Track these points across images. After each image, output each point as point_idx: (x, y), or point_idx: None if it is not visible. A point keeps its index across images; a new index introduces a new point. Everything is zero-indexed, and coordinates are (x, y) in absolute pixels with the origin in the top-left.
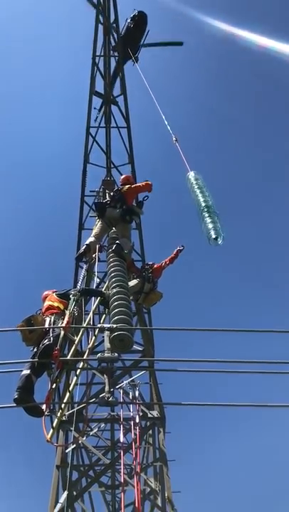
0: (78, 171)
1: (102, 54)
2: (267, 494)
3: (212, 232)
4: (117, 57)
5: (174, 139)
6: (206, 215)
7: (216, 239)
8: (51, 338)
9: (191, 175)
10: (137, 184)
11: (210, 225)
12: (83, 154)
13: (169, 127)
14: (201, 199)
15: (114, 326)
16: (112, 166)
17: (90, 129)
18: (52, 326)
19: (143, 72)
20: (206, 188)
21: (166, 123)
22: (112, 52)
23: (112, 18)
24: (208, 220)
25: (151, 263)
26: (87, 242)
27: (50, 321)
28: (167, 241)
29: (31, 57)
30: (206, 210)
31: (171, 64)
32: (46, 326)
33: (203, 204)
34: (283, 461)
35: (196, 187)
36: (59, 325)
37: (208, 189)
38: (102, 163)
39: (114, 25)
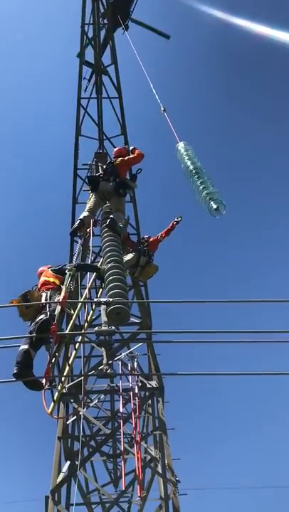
0: (70, 144)
1: (91, 22)
2: (266, 458)
3: (212, 203)
4: (106, 25)
5: (161, 108)
6: (200, 185)
7: (217, 209)
8: (48, 313)
9: (181, 145)
10: (130, 156)
11: (208, 196)
12: (75, 126)
13: (157, 96)
14: (193, 170)
15: (110, 299)
16: (105, 137)
17: (80, 100)
18: (48, 301)
19: (134, 42)
20: (197, 158)
21: (155, 92)
22: (101, 20)
23: None
24: (205, 190)
25: (147, 236)
26: (81, 216)
27: (46, 296)
28: (163, 213)
29: (16, 25)
30: (199, 181)
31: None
32: (43, 301)
33: (196, 176)
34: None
35: (186, 158)
36: (55, 300)
37: (199, 160)
38: (94, 135)
39: None
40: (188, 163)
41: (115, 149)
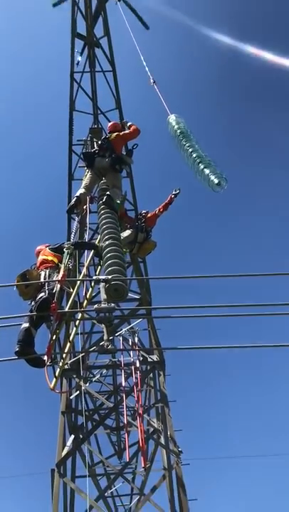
0: (65, 119)
1: None
2: (267, 426)
3: (213, 178)
4: None
5: (151, 80)
6: (197, 159)
7: (218, 184)
8: (47, 291)
9: (172, 118)
10: (125, 132)
11: (207, 171)
12: (68, 101)
13: (147, 69)
14: (189, 148)
15: (109, 277)
16: (99, 112)
17: (74, 74)
18: (47, 279)
19: (127, 13)
20: (190, 131)
21: (145, 64)
22: None
23: None
24: (203, 166)
25: (144, 212)
26: (77, 194)
27: (45, 274)
28: (161, 187)
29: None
30: (196, 157)
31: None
32: (42, 280)
33: (192, 152)
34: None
35: (178, 132)
36: (54, 278)
37: (192, 133)
38: (88, 109)
39: None
40: (186, 144)
41: (110, 124)
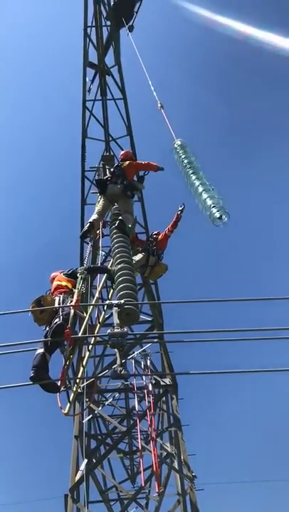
0: (77, 146)
1: (93, 24)
2: (275, 448)
3: (214, 211)
4: (109, 27)
5: (158, 105)
6: (200, 188)
7: (220, 218)
8: (61, 317)
9: (177, 143)
10: (139, 161)
11: (209, 202)
12: (81, 129)
13: (155, 93)
14: (192, 175)
15: (121, 301)
16: (111, 138)
17: (86, 102)
18: (61, 305)
19: (140, 39)
20: (195, 158)
21: (152, 89)
22: (104, 21)
23: None
24: (206, 195)
25: (155, 233)
26: (91, 219)
27: (59, 300)
28: (170, 209)
29: (19, 26)
30: (198, 183)
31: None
32: (56, 305)
33: (195, 180)
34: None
35: (183, 157)
36: (68, 304)
37: (197, 159)
38: (100, 136)
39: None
40: (190, 172)
41: (122, 152)
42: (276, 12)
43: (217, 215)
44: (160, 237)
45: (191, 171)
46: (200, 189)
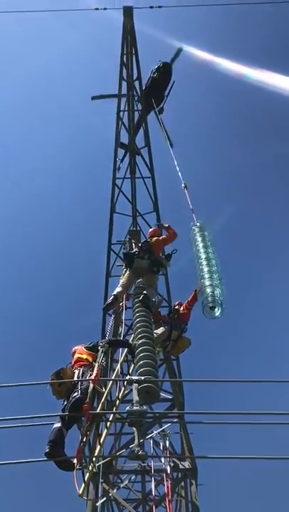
0: (102, 220)
1: (126, 109)
2: None
3: (209, 299)
4: (140, 110)
5: (183, 185)
6: (206, 271)
7: (212, 308)
8: (80, 391)
9: (196, 229)
10: (164, 236)
11: (208, 289)
12: (110, 204)
13: (180, 174)
14: (203, 255)
15: (141, 378)
16: (138, 214)
17: (116, 180)
18: (80, 379)
19: (170, 120)
20: (211, 242)
21: (178, 169)
22: (136, 104)
23: (135, 74)
24: (207, 280)
25: (177, 303)
26: (115, 292)
27: (78, 373)
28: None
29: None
30: (206, 269)
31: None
32: (75, 378)
33: (204, 267)
34: None
35: (199, 240)
36: (87, 377)
37: (213, 245)
38: (127, 211)
39: (138, 81)
40: (202, 253)
41: (150, 230)
42: None
43: (210, 304)
44: (182, 308)
45: (203, 256)
46: (205, 276)
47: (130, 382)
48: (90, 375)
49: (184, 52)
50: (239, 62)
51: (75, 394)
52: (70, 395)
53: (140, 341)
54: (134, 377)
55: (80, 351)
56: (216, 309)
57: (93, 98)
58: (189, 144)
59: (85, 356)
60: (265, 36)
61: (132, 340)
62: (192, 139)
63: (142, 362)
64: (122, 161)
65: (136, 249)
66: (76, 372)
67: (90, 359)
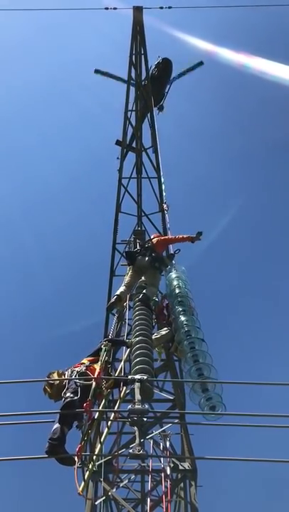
0: (107, 219)
1: (133, 109)
2: None
3: (206, 403)
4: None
5: (164, 206)
6: (192, 357)
7: (212, 407)
8: (71, 390)
9: (173, 275)
10: (168, 236)
11: (205, 395)
12: (115, 204)
13: (164, 193)
14: (183, 320)
15: (136, 376)
16: (143, 214)
17: (121, 179)
18: (78, 377)
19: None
20: (188, 287)
21: (163, 188)
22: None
23: (144, 75)
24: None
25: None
26: (118, 292)
27: (68, 373)
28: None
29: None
30: (191, 344)
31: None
32: (66, 377)
33: (185, 329)
34: None
35: (176, 292)
36: (75, 373)
37: (189, 287)
38: (133, 211)
39: (146, 81)
40: (182, 318)
41: (154, 235)
42: None
43: (207, 407)
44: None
45: (180, 309)
46: (192, 360)
47: (132, 381)
48: (78, 372)
49: (188, 44)
50: (239, 52)
51: (67, 394)
52: (62, 395)
53: (137, 339)
54: (136, 376)
55: (83, 360)
56: (218, 407)
57: (96, 71)
58: (195, 137)
59: (83, 361)
60: (263, 25)
61: (131, 339)
62: (197, 131)
63: (136, 360)
64: (120, 158)
65: (138, 248)
66: (66, 373)
67: (87, 362)
